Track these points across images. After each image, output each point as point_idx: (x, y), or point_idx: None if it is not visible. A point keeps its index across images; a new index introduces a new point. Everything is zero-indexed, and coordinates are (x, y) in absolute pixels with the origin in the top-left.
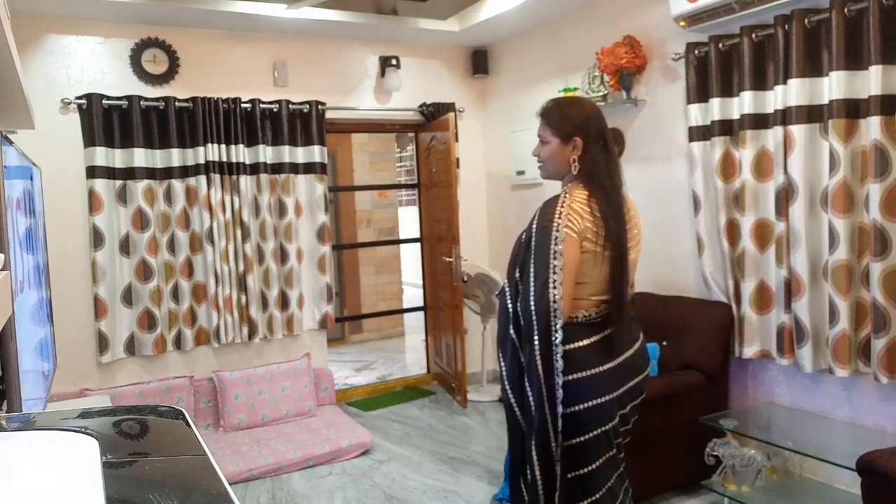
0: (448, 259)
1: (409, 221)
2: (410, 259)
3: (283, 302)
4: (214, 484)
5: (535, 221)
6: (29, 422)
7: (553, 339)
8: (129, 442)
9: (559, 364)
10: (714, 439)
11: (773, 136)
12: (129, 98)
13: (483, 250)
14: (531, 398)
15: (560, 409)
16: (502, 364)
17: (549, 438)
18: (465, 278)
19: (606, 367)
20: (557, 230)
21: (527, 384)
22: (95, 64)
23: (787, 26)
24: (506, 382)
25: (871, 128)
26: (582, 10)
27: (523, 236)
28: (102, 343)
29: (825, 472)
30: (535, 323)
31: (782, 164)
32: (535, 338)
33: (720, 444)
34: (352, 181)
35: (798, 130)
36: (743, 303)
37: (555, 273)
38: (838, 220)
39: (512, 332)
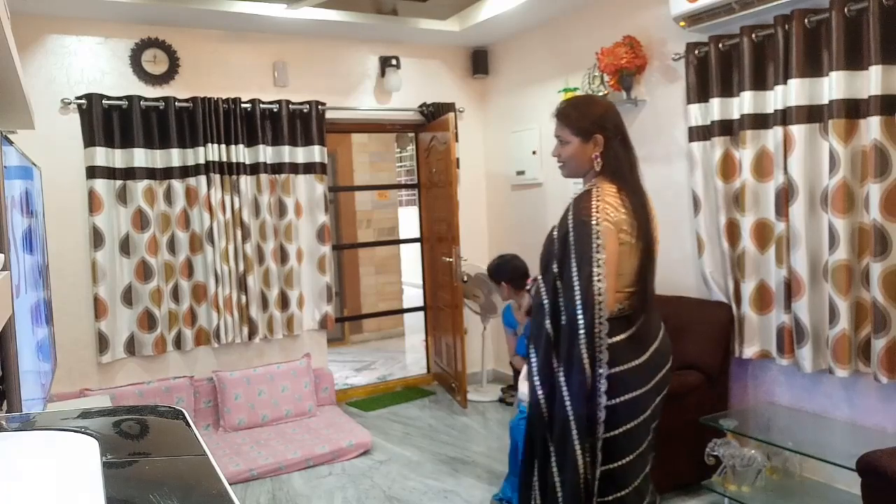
0: (448, 259)
1: (409, 221)
2: (410, 259)
3: (283, 302)
4: (214, 484)
5: (569, 217)
6: (29, 422)
7: (597, 332)
8: (129, 442)
9: (605, 357)
10: (714, 439)
11: (773, 137)
12: (129, 98)
13: (483, 250)
14: (567, 394)
15: (604, 400)
16: (533, 358)
17: (594, 432)
18: (465, 278)
19: (640, 360)
20: (597, 223)
21: (562, 380)
22: (95, 64)
23: (787, 26)
24: (535, 376)
25: (871, 128)
26: (582, 10)
27: (555, 232)
28: (102, 343)
29: (825, 472)
30: (580, 318)
31: (782, 164)
32: (581, 332)
33: (720, 444)
34: (352, 181)
35: (798, 130)
36: (743, 303)
37: (598, 266)
38: (838, 220)
39: (548, 325)
